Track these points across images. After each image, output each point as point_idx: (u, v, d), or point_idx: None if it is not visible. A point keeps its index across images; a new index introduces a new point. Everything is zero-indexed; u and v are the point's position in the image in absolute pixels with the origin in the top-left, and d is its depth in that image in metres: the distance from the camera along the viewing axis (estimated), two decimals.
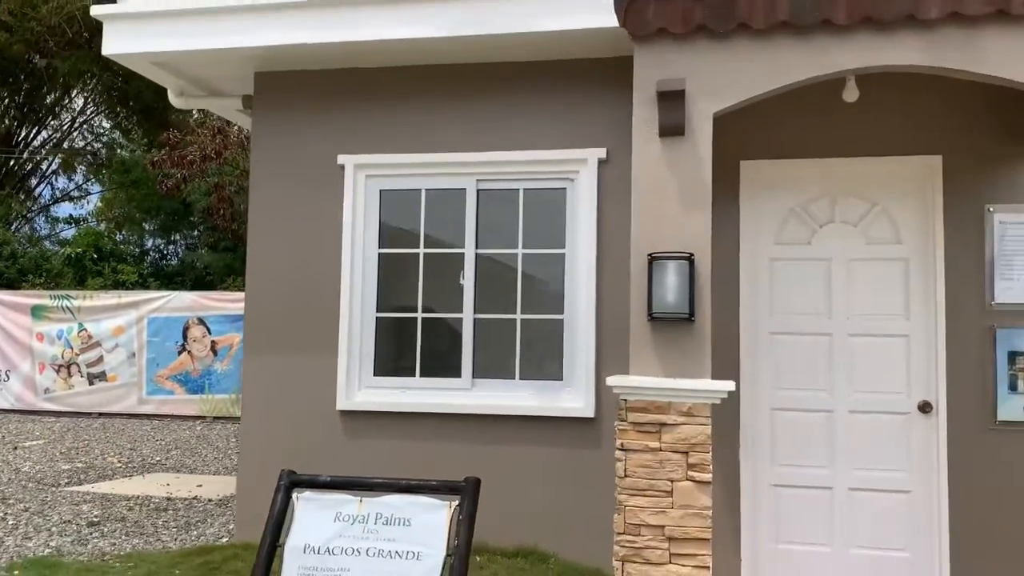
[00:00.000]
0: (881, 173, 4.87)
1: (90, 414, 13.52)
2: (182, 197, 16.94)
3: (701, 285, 3.79)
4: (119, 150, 20.70)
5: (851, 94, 4.36)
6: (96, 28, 16.84)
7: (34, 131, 21.21)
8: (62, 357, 13.99)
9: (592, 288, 5.07)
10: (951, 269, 4.72)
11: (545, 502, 5.00)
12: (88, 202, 24.09)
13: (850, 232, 4.91)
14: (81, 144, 21.69)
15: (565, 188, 5.23)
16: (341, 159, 5.43)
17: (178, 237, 19.78)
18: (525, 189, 5.29)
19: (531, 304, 5.25)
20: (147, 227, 19.78)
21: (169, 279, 18.12)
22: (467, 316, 5.29)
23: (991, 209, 4.69)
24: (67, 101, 20.84)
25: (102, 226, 22.20)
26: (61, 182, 22.50)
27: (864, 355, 4.85)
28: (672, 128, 3.81)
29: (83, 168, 22.49)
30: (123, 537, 5.82)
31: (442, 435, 5.19)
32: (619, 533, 3.73)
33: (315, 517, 3.41)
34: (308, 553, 3.33)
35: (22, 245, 16.85)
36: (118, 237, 20.25)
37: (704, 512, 3.65)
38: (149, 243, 19.92)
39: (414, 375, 5.33)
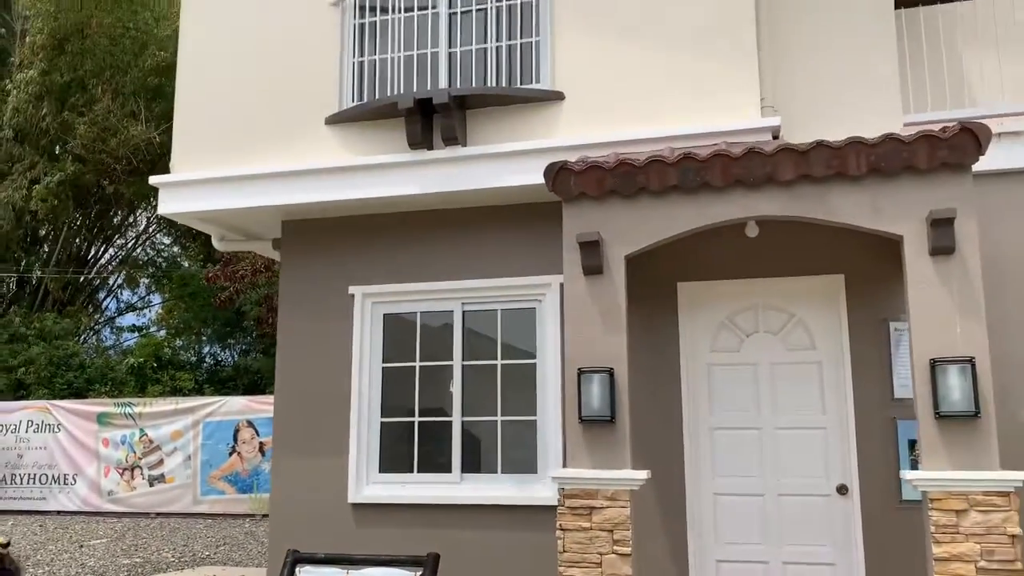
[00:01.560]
0: (795, 290, 5.87)
1: (148, 514, 14.68)
2: (236, 307, 18.48)
3: (620, 393, 4.82)
4: (178, 264, 22.56)
5: (752, 231, 5.43)
6: (159, 154, 18.91)
7: (103, 248, 23.27)
8: (126, 461, 15.28)
9: (558, 392, 6.09)
10: (857, 370, 5.64)
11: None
12: (150, 311, 26.04)
13: (772, 340, 5.89)
14: (144, 259, 23.66)
15: (534, 308, 6.33)
16: (352, 289, 6.65)
17: (232, 343, 21.34)
18: (502, 310, 6.42)
19: (510, 407, 6.29)
20: (203, 336, 21.40)
21: (223, 384, 19.56)
22: (456, 419, 6.36)
23: (886, 319, 5.63)
24: (132, 221, 22.91)
25: (162, 332, 24.03)
26: (126, 295, 24.46)
27: (789, 445, 5.75)
28: (592, 268, 4.92)
29: (145, 280, 24.42)
30: None
31: (436, 523, 6.20)
32: None
33: None
34: None
35: (90, 356, 18.48)
36: (177, 343, 21.94)
37: None
38: (205, 350, 21.50)
39: (412, 471, 6.39)
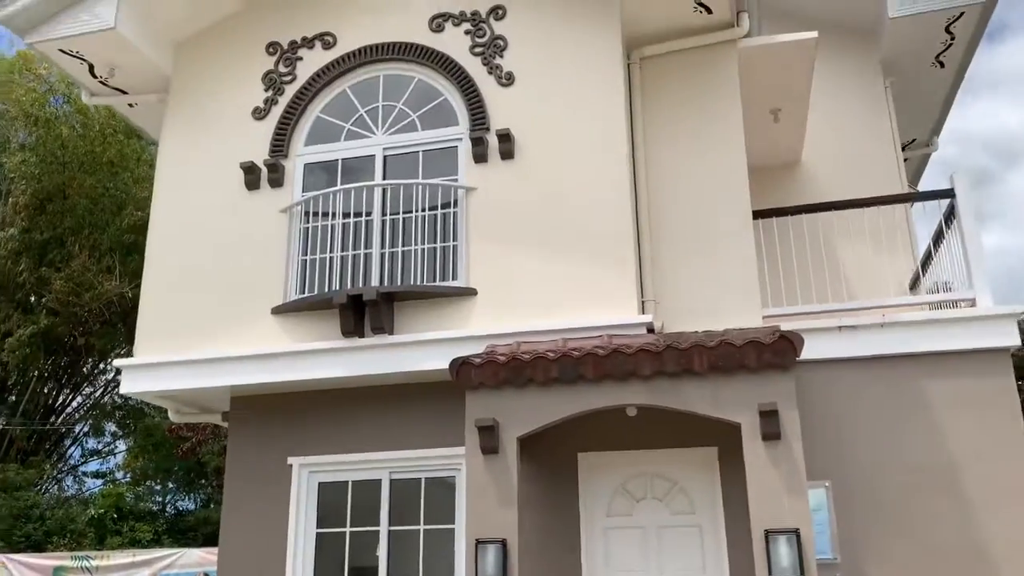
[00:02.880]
0: (677, 460, 6.79)
1: None
2: (197, 457, 19.02)
3: (511, 560, 5.63)
4: (143, 413, 23.09)
5: (631, 411, 6.39)
6: (130, 307, 19.86)
7: (70, 396, 23.84)
8: None
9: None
10: (731, 533, 6.48)
11: None
12: (115, 456, 26.36)
13: (658, 505, 6.77)
14: (111, 407, 24.20)
15: (454, 476, 7.17)
16: (290, 459, 7.51)
17: (193, 493, 21.69)
18: (425, 478, 7.27)
19: (431, 570, 7.03)
20: (166, 485, 21.78)
21: (183, 534, 19.81)
22: None
23: None
24: (101, 368, 23.60)
25: (127, 478, 24.32)
26: (91, 442, 24.86)
27: None
28: (489, 449, 5.84)
29: (111, 427, 24.91)
30: None
31: None
32: None
33: None
34: None
35: (50, 506, 18.76)
36: (139, 491, 22.23)
37: None
38: (167, 499, 21.80)
39: None
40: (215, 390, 7.56)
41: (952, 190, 7.03)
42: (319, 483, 7.49)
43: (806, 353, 6.76)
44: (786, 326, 6.86)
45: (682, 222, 7.41)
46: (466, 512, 5.84)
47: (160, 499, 23.94)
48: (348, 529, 7.34)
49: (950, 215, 7.16)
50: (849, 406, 6.72)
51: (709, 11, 7.54)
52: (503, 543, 5.65)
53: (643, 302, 7.13)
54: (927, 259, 7.99)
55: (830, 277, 8.03)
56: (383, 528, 7.23)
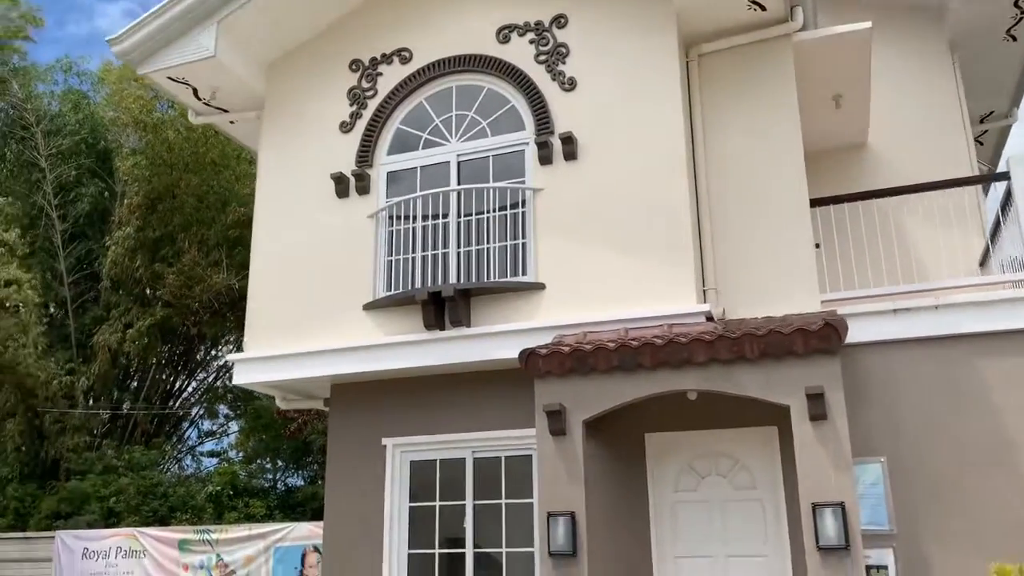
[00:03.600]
0: (739, 439, 7.28)
1: None
2: (303, 437, 20.33)
3: (580, 532, 6.27)
4: (253, 396, 24.68)
5: (692, 395, 6.90)
6: (237, 297, 21.31)
7: (186, 381, 25.65)
8: None
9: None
10: (791, 506, 6.94)
11: None
12: (228, 436, 28.26)
13: (722, 482, 7.28)
14: (223, 390, 25.92)
15: (531, 455, 7.84)
16: (384, 440, 8.32)
17: (301, 471, 23.14)
18: (505, 456, 7.96)
19: (513, 540, 7.74)
20: (277, 463, 23.31)
21: (293, 509, 21.21)
22: (469, 550, 7.86)
23: None
24: (213, 355, 25.31)
25: (240, 456, 26.07)
26: (206, 424, 26.73)
27: (738, 571, 7.05)
28: (557, 431, 6.48)
29: (223, 409, 26.69)
30: None
31: None
32: None
33: None
34: None
35: (172, 485, 20.41)
36: (251, 468, 23.86)
37: None
38: (277, 476, 23.33)
39: None
40: (316, 379, 8.45)
41: (1008, 173, 7.22)
42: (411, 461, 8.30)
43: (863, 335, 7.18)
44: (843, 310, 7.27)
45: (742, 211, 7.82)
46: (537, 488, 6.50)
47: (271, 476, 25.58)
48: (437, 503, 8.13)
49: (1007, 198, 7.35)
50: (904, 386, 7.05)
51: (763, 8, 7.87)
52: (572, 515, 6.29)
53: (704, 290, 7.61)
54: (992, 238, 8.17)
55: (899, 259, 8.26)
56: (469, 502, 7.99)
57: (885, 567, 6.74)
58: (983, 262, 8.76)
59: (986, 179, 7.44)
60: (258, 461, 25.56)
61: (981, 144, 11.66)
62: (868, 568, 6.77)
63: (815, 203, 7.79)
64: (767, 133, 7.90)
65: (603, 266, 7.59)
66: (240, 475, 21.66)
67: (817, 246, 8.35)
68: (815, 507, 5.80)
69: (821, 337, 6.01)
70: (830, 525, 5.71)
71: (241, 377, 8.55)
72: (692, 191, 7.71)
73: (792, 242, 7.60)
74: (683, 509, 7.34)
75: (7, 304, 20.12)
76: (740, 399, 6.98)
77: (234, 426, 27.84)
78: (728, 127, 8.02)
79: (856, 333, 7.24)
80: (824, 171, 9.84)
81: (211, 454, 27.08)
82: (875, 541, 6.81)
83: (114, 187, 23.71)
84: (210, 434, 27.88)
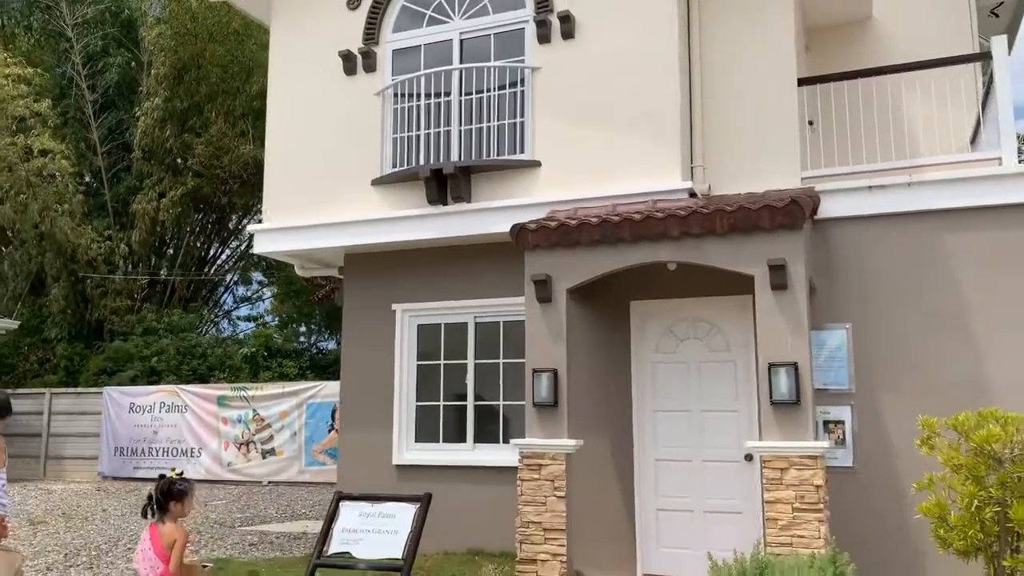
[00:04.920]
0: (717, 306, 7.89)
1: (261, 482, 17.60)
2: (332, 302, 21.33)
3: (561, 386, 7.02)
4: (285, 264, 25.70)
5: (671, 265, 7.47)
6: (263, 168, 21.96)
7: (220, 249, 26.70)
8: (242, 437, 18.25)
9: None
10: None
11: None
12: (263, 302, 29.60)
13: (699, 345, 7.95)
14: (255, 259, 26.96)
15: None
16: (394, 306, 9.08)
17: (331, 335, 24.37)
18: (503, 321, 8.69)
19: (509, 394, 8.57)
20: (310, 327, 24.54)
21: (324, 370, 22.52)
22: (470, 403, 8.72)
23: None
24: (244, 225, 26.22)
25: (275, 321, 27.43)
26: (240, 290, 27.96)
27: (711, 424, 7.81)
28: (543, 298, 7.14)
29: (257, 275, 27.83)
30: (270, 552, 9.51)
31: (455, 479, 8.57)
32: (518, 529, 6.94)
33: (350, 514, 6.86)
34: (345, 531, 6.77)
35: (210, 346, 21.74)
36: (285, 332, 25.18)
37: (562, 514, 6.80)
38: (310, 340, 24.62)
39: (438, 441, 8.79)
40: (330, 250, 9.14)
41: (989, 53, 7.43)
42: (418, 325, 9.07)
43: (838, 210, 7.65)
44: (822, 187, 7.73)
45: (731, 90, 8.14)
46: (527, 347, 7.22)
47: (304, 339, 26.94)
48: (442, 362, 8.95)
49: (991, 78, 7.58)
50: (875, 258, 7.56)
51: None
52: (554, 372, 7.03)
53: (692, 168, 8.05)
54: (980, 117, 8.42)
55: (893, 136, 8.51)
56: (470, 361, 8.80)
57: (843, 421, 7.46)
58: (974, 139, 9.02)
59: (970, 59, 7.63)
60: (292, 325, 26.88)
61: (997, 16, 11.57)
62: (827, 422, 7.51)
63: (803, 82, 8.07)
64: (759, 12, 8.10)
65: (595, 144, 8.03)
66: (275, 338, 22.90)
67: (811, 123, 8.68)
68: (771, 366, 6.45)
69: (786, 213, 6.49)
70: (783, 382, 6.37)
71: (261, 246, 9.27)
72: (683, 70, 8.01)
73: (777, 120, 7.95)
74: (663, 369, 8.06)
75: (44, 173, 20.97)
76: (717, 269, 7.55)
77: (268, 292, 29.10)
78: (722, 6, 8.21)
79: (833, 208, 7.71)
80: (831, 46, 10.00)
81: (248, 318, 28.47)
82: (836, 399, 7.52)
83: (140, 57, 24.04)
84: (245, 300, 29.20)
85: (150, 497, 4.54)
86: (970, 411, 5.63)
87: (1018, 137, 14.91)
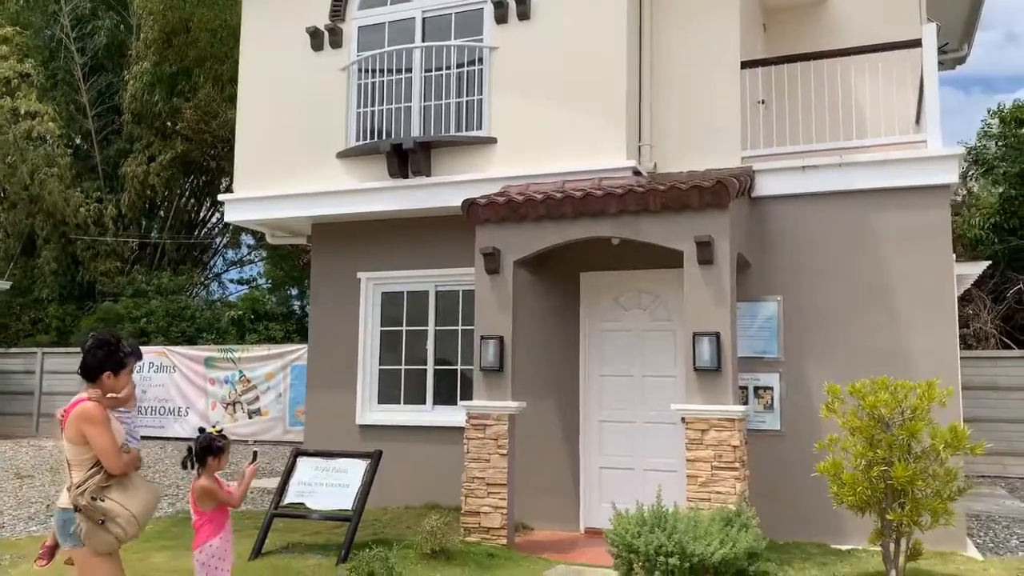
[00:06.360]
0: (660, 278, 8.38)
1: (247, 441, 18.19)
2: None
3: (507, 352, 7.54)
4: None
5: (615, 240, 7.94)
6: None
7: (210, 212, 27.12)
8: (228, 397, 18.84)
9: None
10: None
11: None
12: (256, 265, 30.12)
13: (643, 315, 8.47)
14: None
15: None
16: (359, 274, 9.58)
17: None
18: (463, 290, 9.19)
19: (466, 359, 9.10)
20: (292, 292, 25.04)
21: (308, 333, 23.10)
22: (430, 367, 9.26)
23: None
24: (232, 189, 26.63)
25: (268, 283, 27.94)
26: (230, 254, 28.44)
27: (651, 388, 8.35)
28: (492, 270, 7.64)
29: (247, 239, 28.27)
30: (244, 505, 10.08)
31: (415, 438, 9.14)
32: (464, 483, 7.51)
33: (306, 468, 7.44)
34: (301, 484, 7.35)
35: (198, 309, 22.26)
36: (277, 295, 25.71)
37: (504, 470, 7.36)
38: (296, 305, 25.13)
39: (400, 403, 9.34)
40: (298, 219, 9.62)
41: (920, 40, 7.85)
42: (382, 292, 9.58)
43: (775, 188, 8.13)
44: (759, 166, 8.19)
45: (679, 74, 8.57)
46: (475, 317, 7.73)
47: (296, 303, 27.48)
48: (404, 328, 9.47)
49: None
50: (807, 235, 8.05)
51: None
52: (501, 339, 7.55)
53: (640, 147, 8.50)
54: (920, 99, 8.84)
55: (842, 117, 8.89)
56: (431, 327, 9.33)
57: (771, 388, 8.00)
58: (918, 120, 9.45)
59: (905, 45, 8.01)
60: (285, 288, 27.39)
61: None
62: (756, 388, 8.06)
63: (747, 64, 8.49)
64: (709, 4, 8.49)
65: (547, 122, 8.47)
66: (264, 301, 23.41)
67: (762, 102, 9.11)
68: (695, 336, 6.96)
69: (713, 193, 6.96)
70: (706, 351, 6.89)
71: (232, 215, 9.74)
72: (632, 52, 8.43)
73: (720, 101, 8.39)
74: (609, 337, 8.58)
75: (33, 135, 21.34)
76: (659, 244, 8.04)
77: (258, 256, 29.57)
78: None
79: (770, 187, 8.19)
80: (788, 25, 10.40)
81: (240, 282, 28.99)
82: (766, 367, 8.06)
83: (129, 20, 24.27)
84: (235, 263, 29.70)
85: (190, 450, 4.82)
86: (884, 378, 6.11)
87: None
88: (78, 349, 16.00)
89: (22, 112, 20.99)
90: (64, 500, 4.19)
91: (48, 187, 21.46)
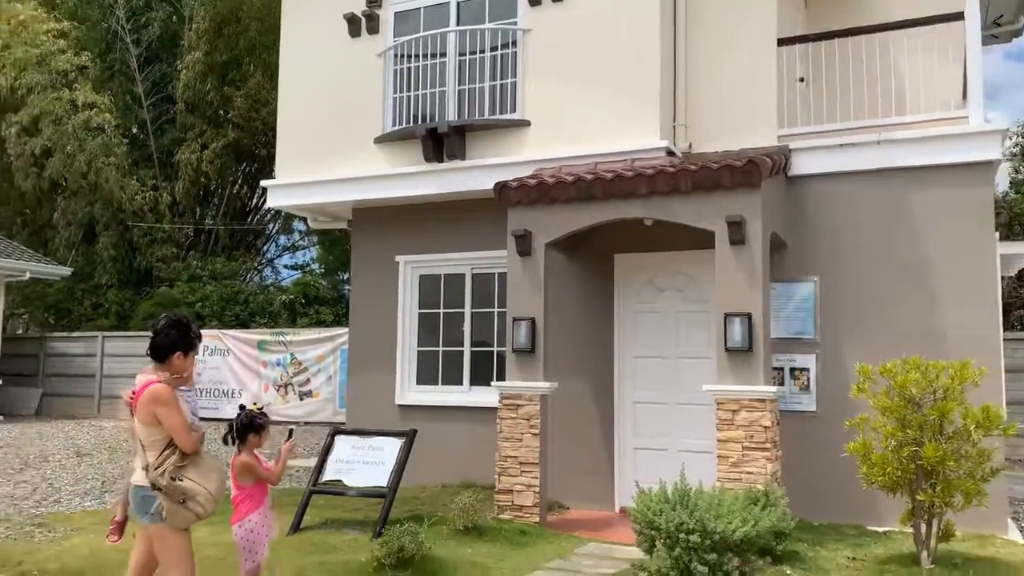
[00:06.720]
0: (695, 260, 8.35)
1: (299, 422, 18.59)
2: None
3: (538, 333, 7.61)
4: None
5: (648, 221, 7.93)
6: None
7: (262, 199, 27.63)
8: (280, 379, 19.28)
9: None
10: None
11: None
12: (309, 251, 30.67)
13: (678, 296, 8.47)
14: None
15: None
16: (397, 258, 9.73)
17: None
18: (498, 273, 9.28)
19: (503, 340, 9.19)
20: (343, 276, 25.43)
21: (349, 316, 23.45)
22: (467, 349, 9.39)
23: None
24: None
25: (322, 268, 28.42)
26: (283, 240, 28.98)
27: (686, 370, 8.35)
28: (524, 252, 7.71)
29: (300, 226, 28.77)
30: (288, 484, 10.37)
31: (452, 418, 9.29)
32: (497, 463, 7.62)
33: (343, 446, 7.62)
34: (339, 462, 7.54)
35: (252, 294, 22.77)
36: (331, 279, 26.18)
37: (536, 450, 7.45)
38: (346, 289, 25.51)
39: (438, 384, 9.49)
40: (338, 204, 9.80)
41: (962, 13, 7.66)
42: (419, 275, 9.73)
43: (811, 167, 8.05)
44: (796, 144, 8.09)
45: (714, 50, 8.50)
46: (507, 299, 7.81)
47: (347, 288, 27.91)
48: (442, 310, 9.61)
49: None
50: (845, 214, 7.95)
51: None
52: (532, 320, 7.62)
53: (674, 127, 8.47)
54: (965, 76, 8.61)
55: (881, 94, 8.73)
56: (467, 310, 9.45)
57: (807, 369, 7.94)
58: (964, 95, 9.21)
59: (943, 19, 7.80)
60: (338, 273, 27.83)
61: None
62: (792, 369, 8.01)
63: (783, 42, 8.37)
64: None
65: (581, 104, 8.48)
66: (315, 286, 23.82)
67: (801, 80, 8.98)
68: (726, 316, 6.94)
69: (745, 172, 6.91)
70: (737, 331, 6.87)
71: (274, 200, 9.97)
72: (666, 30, 8.38)
73: (757, 80, 8.31)
74: (644, 318, 8.60)
75: (90, 126, 22.00)
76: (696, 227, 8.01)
77: (309, 242, 30.08)
78: None
79: (807, 165, 8.10)
80: (831, 1, 10.19)
81: (294, 267, 29.55)
82: (802, 347, 8.00)
83: (182, 11, 24.79)
84: (288, 249, 30.27)
85: (231, 427, 4.94)
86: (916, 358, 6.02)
87: None
88: (137, 333, 16.53)
89: (80, 103, 21.64)
90: (139, 478, 4.30)
91: (105, 175, 22.12)
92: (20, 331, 25.14)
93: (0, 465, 11.46)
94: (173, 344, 4.37)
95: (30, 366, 21.67)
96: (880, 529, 7.28)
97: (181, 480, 4.19)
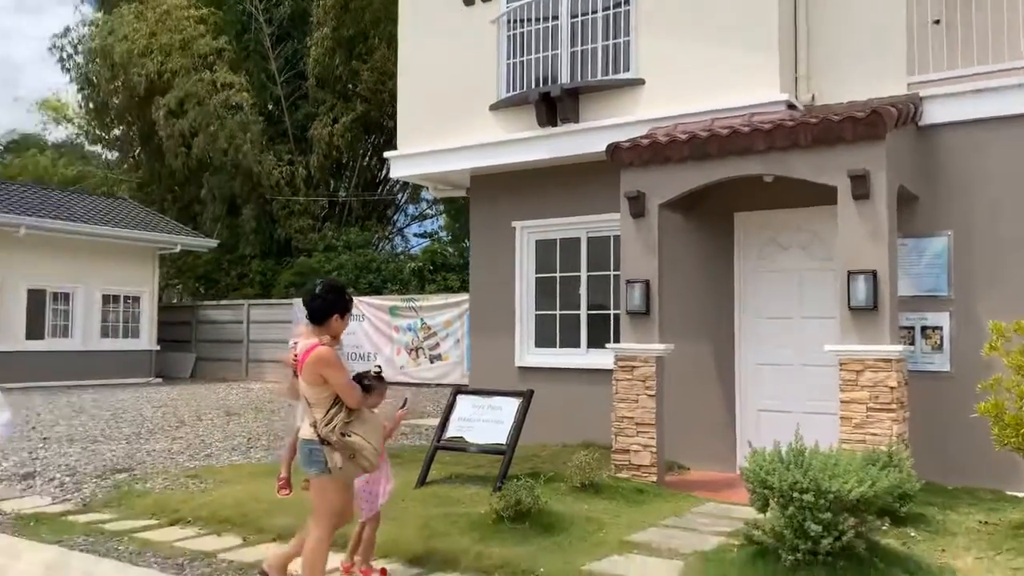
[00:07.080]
0: (818, 216, 8.09)
1: (429, 384, 19.23)
2: None
3: (653, 295, 7.59)
4: None
5: (768, 178, 7.71)
6: None
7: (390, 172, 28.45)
8: (411, 343, 19.95)
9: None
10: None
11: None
12: (438, 219, 31.40)
13: (801, 254, 8.23)
14: None
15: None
16: (513, 223, 9.87)
17: None
18: (614, 236, 9.26)
19: (619, 303, 9.19)
20: (468, 243, 25.96)
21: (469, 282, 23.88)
22: (583, 312, 9.46)
23: None
24: None
25: (449, 236, 29.08)
26: (411, 209, 29.75)
27: (811, 330, 8.13)
28: (637, 213, 7.67)
29: (427, 195, 29.46)
30: (417, 440, 10.80)
31: (571, 379, 9.41)
32: (613, 423, 7.69)
33: (464, 405, 7.87)
34: (460, 420, 7.80)
35: (384, 262, 23.58)
36: (458, 246, 26.79)
37: (652, 410, 7.48)
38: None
39: (555, 346, 9.63)
40: (456, 172, 10.02)
41: None
42: (536, 240, 9.84)
43: (945, 116, 7.65)
44: (929, 91, 7.68)
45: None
46: (621, 261, 7.81)
47: (464, 255, 28.46)
48: (558, 274, 9.70)
49: None
50: (982, 164, 7.49)
51: None
52: (647, 283, 7.60)
53: (796, 78, 8.18)
54: None
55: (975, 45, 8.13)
56: (583, 274, 9.50)
57: (940, 328, 7.58)
58: None
59: None
60: (465, 241, 28.35)
61: None
62: (924, 328, 7.66)
63: None
64: None
65: (696, 59, 8.31)
66: (442, 253, 24.42)
67: (936, 22, 8.46)
68: (850, 274, 6.71)
69: (868, 124, 6.62)
70: (861, 289, 6.63)
71: (396, 171, 10.29)
72: None
73: (886, 24, 7.89)
74: (766, 277, 8.40)
75: (229, 104, 23.18)
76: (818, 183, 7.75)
77: (436, 211, 30.78)
78: None
79: (941, 114, 7.67)
80: None
81: (423, 235, 30.36)
82: (934, 305, 7.64)
83: None
84: (416, 218, 31.08)
85: None
86: None
87: None
88: (279, 300, 17.47)
89: (219, 84, 22.82)
90: (307, 432, 4.58)
91: (244, 152, 23.30)
92: (175, 300, 26.98)
93: (160, 423, 12.45)
94: (332, 306, 4.60)
95: (184, 333, 23.30)
96: (1020, 494, 6.93)
97: (350, 436, 4.46)
